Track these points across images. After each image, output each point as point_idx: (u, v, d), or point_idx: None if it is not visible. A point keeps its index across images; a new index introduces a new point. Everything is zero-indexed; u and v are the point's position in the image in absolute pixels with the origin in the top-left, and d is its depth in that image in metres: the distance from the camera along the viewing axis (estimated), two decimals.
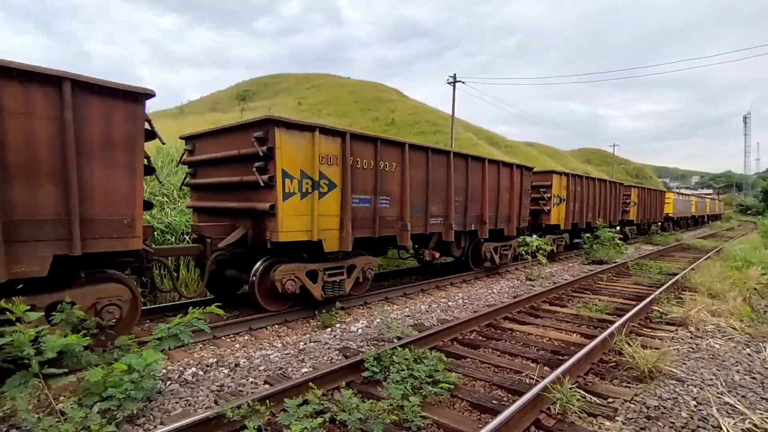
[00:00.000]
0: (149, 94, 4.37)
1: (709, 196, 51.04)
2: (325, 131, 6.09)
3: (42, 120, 3.76)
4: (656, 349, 4.68)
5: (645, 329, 5.80)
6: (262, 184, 5.51)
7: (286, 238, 5.69)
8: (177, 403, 3.57)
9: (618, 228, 16.80)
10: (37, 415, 2.94)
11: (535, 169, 11.91)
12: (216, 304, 4.36)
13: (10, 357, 3.22)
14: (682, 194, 32.96)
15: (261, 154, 5.47)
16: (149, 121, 4.46)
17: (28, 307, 3.31)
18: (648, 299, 6.83)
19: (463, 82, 29.52)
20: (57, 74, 3.79)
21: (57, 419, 2.93)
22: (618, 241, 13.65)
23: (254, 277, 5.89)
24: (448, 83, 29.41)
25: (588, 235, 13.83)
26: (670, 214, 26.04)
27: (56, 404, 3.16)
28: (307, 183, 5.89)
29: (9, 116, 3.60)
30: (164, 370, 4.15)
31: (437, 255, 8.41)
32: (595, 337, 4.96)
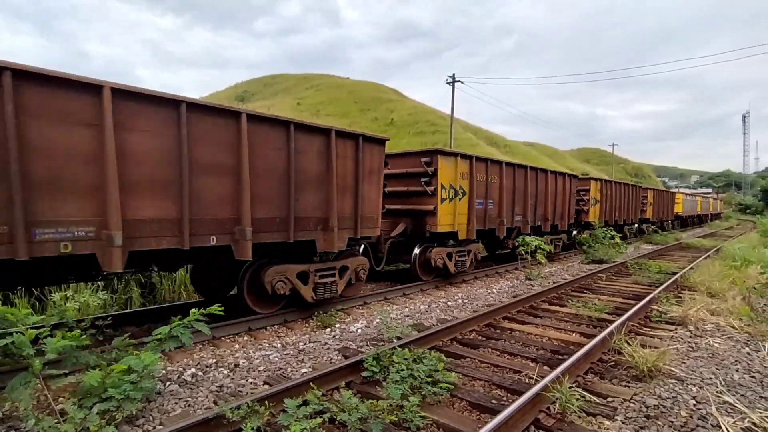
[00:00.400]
0: (387, 139, 7.18)
1: (709, 196, 51.57)
2: (463, 156, 8.97)
3: (350, 160, 6.47)
4: (655, 348, 4.69)
5: (644, 328, 5.80)
6: (429, 193, 8.35)
7: (441, 229, 8.46)
8: (176, 403, 3.57)
9: (637, 225, 20.04)
10: (36, 416, 2.94)
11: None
12: (217, 305, 4.33)
13: (11, 358, 3.23)
14: (689, 195, 35.45)
15: (429, 172, 8.37)
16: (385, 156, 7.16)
17: (29, 311, 3.31)
18: (647, 298, 6.84)
19: (462, 82, 29.55)
20: (356, 133, 6.63)
21: (56, 420, 2.93)
22: (618, 241, 13.66)
23: (414, 257, 8.59)
24: (447, 83, 29.43)
25: (585, 234, 14.08)
26: (679, 213, 28.57)
27: (56, 405, 3.16)
28: (452, 192, 8.66)
29: (337, 158, 6.17)
30: (163, 371, 4.15)
31: (517, 243, 10.93)
32: (595, 336, 4.96)
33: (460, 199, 8.85)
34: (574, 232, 10.72)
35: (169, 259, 5.32)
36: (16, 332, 3.19)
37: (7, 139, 3.47)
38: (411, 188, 8.62)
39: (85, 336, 3.44)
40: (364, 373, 3.97)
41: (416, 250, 8.67)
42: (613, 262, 12.04)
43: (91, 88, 3.89)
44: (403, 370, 3.87)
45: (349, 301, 7.01)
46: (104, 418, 3.05)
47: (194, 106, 4.62)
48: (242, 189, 5.06)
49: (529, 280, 9.71)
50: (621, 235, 15.32)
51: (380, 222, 7.12)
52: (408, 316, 6.48)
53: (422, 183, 8.40)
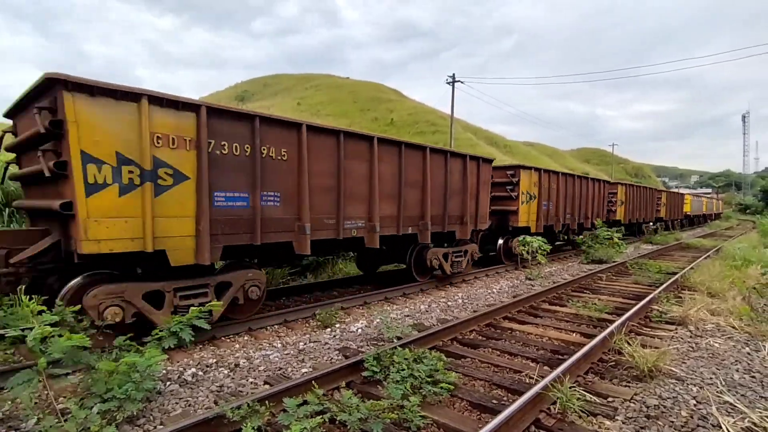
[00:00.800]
0: (493, 160, 9.84)
1: (709, 196, 52.17)
2: (535, 169, 12.00)
3: (474, 175, 9.08)
4: (656, 348, 4.69)
5: (645, 328, 5.80)
6: (513, 197, 11.29)
7: (521, 224, 11.31)
8: (177, 403, 3.57)
9: (651, 223, 22.32)
10: (37, 415, 2.95)
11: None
12: (218, 302, 4.33)
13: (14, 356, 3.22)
14: (695, 196, 38.39)
15: (513, 182, 11.24)
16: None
17: (44, 308, 3.31)
18: (647, 298, 6.84)
19: (462, 82, 29.55)
20: (477, 156, 9.28)
21: (57, 419, 2.93)
22: (617, 241, 13.66)
23: (499, 247, 11.43)
24: (447, 83, 29.43)
25: (582, 235, 14.21)
26: (688, 213, 31.25)
27: (57, 404, 3.16)
28: (527, 196, 11.53)
29: (469, 173, 8.86)
30: (164, 371, 4.14)
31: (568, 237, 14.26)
32: (595, 336, 4.96)
33: (532, 201, 11.71)
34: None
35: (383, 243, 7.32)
36: (28, 328, 3.18)
37: (339, 169, 6.20)
38: (497, 194, 11.09)
39: (85, 336, 3.44)
40: (365, 373, 3.97)
41: (500, 241, 11.47)
42: (613, 262, 12.05)
43: (369, 139, 6.75)
44: (403, 369, 3.88)
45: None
46: (105, 418, 3.05)
47: (408, 145, 7.49)
48: (425, 197, 7.81)
49: (530, 279, 9.71)
50: (619, 234, 15.54)
51: (488, 218, 9.79)
52: (408, 316, 6.48)
53: (507, 190, 11.29)
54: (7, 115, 4.97)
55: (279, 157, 5.51)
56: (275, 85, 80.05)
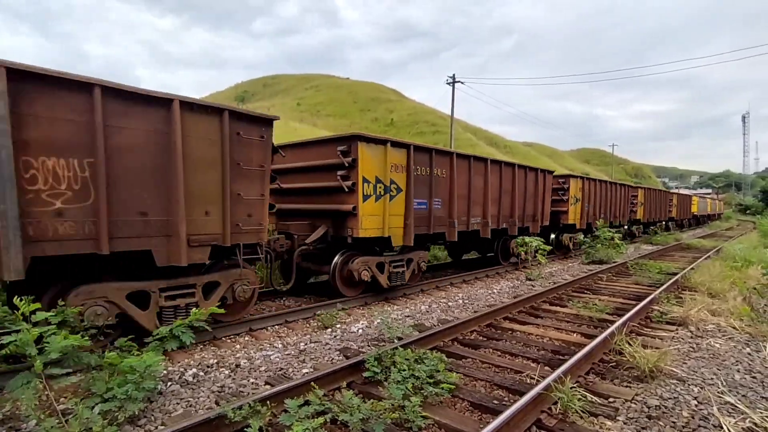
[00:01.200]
0: (553, 171, 12.94)
1: (709, 196, 52.88)
2: (583, 178, 14.62)
3: (541, 183, 11.81)
4: (657, 348, 4.69)
5: (645, 329, 5.80)
6: (563, 200, 13.48)
7: (570, 222, 13.68)
8: (178, 404, 3.57)
9: (664, 223, 25.07)
10: (38, 416, 2.94)
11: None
12: (217, 306, 4.33)
13: (12, 357, 3.22)
14: (701, 197, 41.48)
15: (563, 188, 13.35)
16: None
17: (38, 306, 3.30)
18: (648, 299, 6.84)
19: (462, 83, 29.56)
20: (544, 169, 12.16)
21: (59, 420, 2.92)
22: (618, 241, 13.67)
23: (551, 240, 13.46)
24: (447, 83, 29.44)
25: (587, 236, 14.22)
26: (695, 213, 34.26)
27: (58, 405, 3.15)
28: (576, 199, 13.90)
29: (538, 182, 11.67)
30: (165, 371, 4.14)
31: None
32: (596, 336, 4.96)
33: (577, 203, 14.06)
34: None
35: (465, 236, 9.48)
36: (20, 330, 3.17)
37: (469, 183, 8.93)
38: (553, 197, 12.89)
39: (85, 337, 3.44)
40: (366, 374, 3.97)
41: (552, 235, 13.68)
42: (614, 262, 12.05)
43: (484, 160, 9.48)
44: (404, 370, 3.88)
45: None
46: (106, 419, 3.05)
47: (506, 163, 10.41)
48: (514, 201, 10.50)
49: (530, 280, 9.71)
50: (620, 234, 15.90)
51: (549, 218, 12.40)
52: (409, 316, 6.48)
53: (559, 194, 13.51)
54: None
55: (442, 175, 8.27)
56: (275, 85, 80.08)
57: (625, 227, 18.70)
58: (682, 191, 53.61)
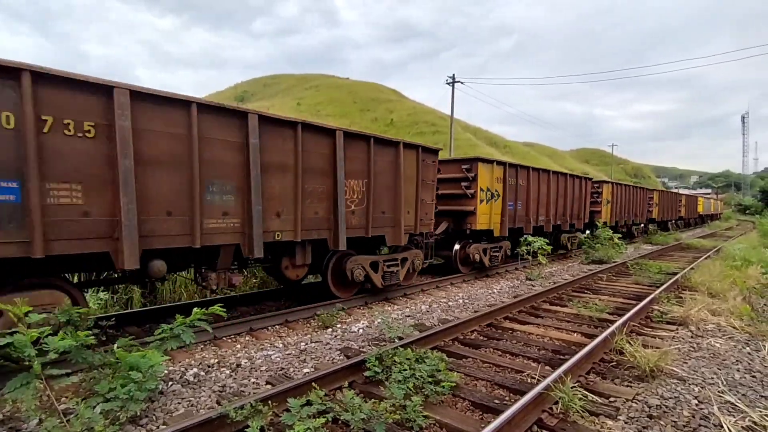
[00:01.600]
0: (591, 178, 15.84)
1: (708, 196, 53.57)
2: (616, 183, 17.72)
3: (578, 189, 14.09)
4: (657, 348, 4.69)
5: (646, 328, 5.81)
6: (598, 202, 16.10)
7: (603, 220, 16.12)
8: (179, 403, 3.57)
9: (674, 221, 27.36)
10: (39, 416, 2.94)
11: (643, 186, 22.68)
12: (219, 305, 4.33)
13: (10, 358, 3.21)
14: (706, 198, 44.38)
15: (599, 192, 15.95)
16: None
17: (30, 308, 3.30)
18: (648, 299, 6.85)
19: (462, 83, 29.56)
20: (583, 177, 14.78)
21: (60, 420, 2.93)
22: (617, 241, 13.68)
23: (587, 235, 14.90)
24: (447, 83, 29.44)
25: (587, 234, 14.31)
26: (701, 213, 36.86)
27: (59, 405, 3.16)
28: (607, 201, 16.56)
29: (576, 188, 14.00)
30: (166, 371, 4.14)
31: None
32: (596, 336, 4.97)
33: (608, 205, 16.61)
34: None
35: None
36: (16, 332, 3.17)
37: (538, 189, 11.89)
38: (591, 200, 15.53)
39: (90, 335, 3.44)
40: (367, 373, 3.97)
41: (588, 231, 15.30)
42: (614, 262, 12.06)
43: (547, 171, 12.45)
44: (405, 370, 3.88)
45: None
46: (108, 418, 3.05)
47: (560, 174, 13.18)
48: (566, 203, 13.13)
49: (530, 280, 9.72)
50: (619, 234, 16.10)
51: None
52: (409, 316, 6.49)
53: (595, 197, 15.78)
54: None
55: (522, 184, 11.08)
56: (275, 85, 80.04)
57: (642, 225, 21.45)
58: (683, 191, 54.37)
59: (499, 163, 10.39)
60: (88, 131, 4.04)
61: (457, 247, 9.88)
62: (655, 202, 22.50)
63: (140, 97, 4.31)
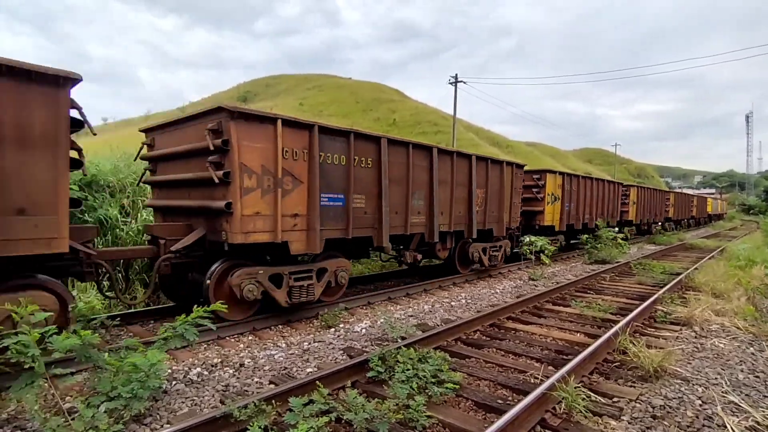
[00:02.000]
0: (622, 183, 19.76)
1: (712, 196, 53.91)
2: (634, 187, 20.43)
3: (613, 192, 17.50)
4: (661, 348, 4.68)
5: (649, 329, 5.79)
6: (626, 203, 18.95)
7: (629, 219, 19.42)
8: (183, 402, 3.58)
9: (686, 220, 30.45)
10: (44, 416, 2.95)
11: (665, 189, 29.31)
12: (221, 302, 4.35)
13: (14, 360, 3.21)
14: (714, 198, 48.11)
15: (627, 194, 19.05)
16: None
17: (36, 307, 3.32)
18: (652, 299, 6.83)
19: (464, 83, 29.54)
20: (620, 182, 19.18)
21: (65, 419, 2.94)
22: (620, 241, 13.65)
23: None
24: (450, 83, 29.43)
25: (586, 235, 14.34)
26: (710, 212, 39.61)
27: (63, 404, 3.17)
28: (634, 203, 20.02)
29: (612, 192, 17.20)
30: (169, 370, 4.16)
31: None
32: (599, 336, 4.96)
33: (634, 206, 19.58)
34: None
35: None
36: (20, 332, 3.18)
37: (585, 193, 14.73)
38: (621, 201, 18.26)
39: (96, 334, 3.45)
40: (370, 373, 3.97)
41: (616, 228, 16.57)
42: (617, 262, 12.03)
43: (581, 177, 14.80)
44: (408, 369, 3.88)
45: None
46: (112, 417, 3.06)
47: (601, 180, 16.46)
48: (604, 205, 15.85)
49: (533, 280, 9.70)
50: (622, 234, 16.48)
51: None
52: (412, 316, 6.49)
53: (623, 198, 18.29)
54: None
55: (575, 189, 13.59)
56: (277, 85, 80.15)
57: (659, 223, 23.68)
58: (686, 191, 54.73)
59: (560, 173, 13.50)
60: (369, 164, 6.64)
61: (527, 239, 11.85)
62: (671, 203, 25.56)
63: (390, 142, 6.98)
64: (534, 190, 12.46)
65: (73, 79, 3.94)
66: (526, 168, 11.56)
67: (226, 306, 4.27)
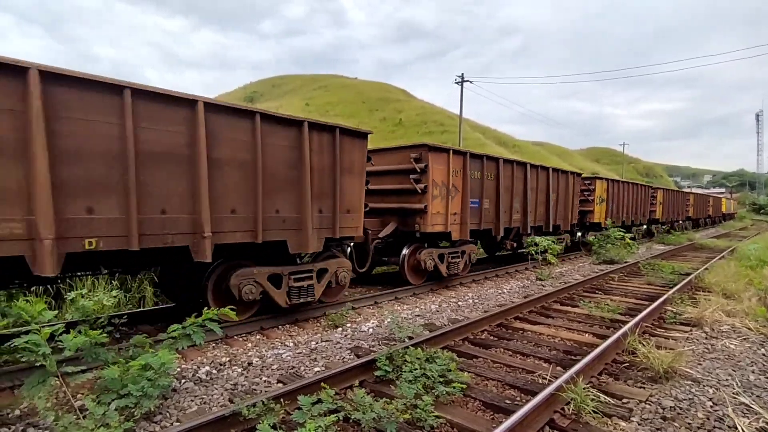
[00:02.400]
0: (650, 186, 21.91)
1: (722, 195, 53.67)
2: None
3: (645, 194, 19.91)
4: (671, 349, 4.64)
5: (659, 329, 5.74)
6: (654, 204, 21.19)
7: (657, 217, 21.28)
8: (192, 401, 3.61)
9: (703, 219, 32.59)
10: (56, 413, 2.99)
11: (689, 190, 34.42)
12: (230, 307, 4.38)
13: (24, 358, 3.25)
14: (727, 198, 50.36)
15: (654, 195, 20.96)
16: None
17: (44, 306, 3.36)
18: (661, 299, 6.77)
19: (471, 82, 29.46)
20: (649, 185, 21.45)
21: (76, 416, 2.97)
22: (629, 241, 13.54)
23: (644, 231, 20.32)
24: (456, 83, 29.35)
25: (594, 235, 14.32)
26: (725, 212, 41.92)
27: (75, 401, 3.20)
28: (660, 203, 21.77)
29: (642, 194, 19.45)
30: (178, 369, 4.19)
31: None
32: (608, 337, 4.93)
33: (661, 206, 21.38)
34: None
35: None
36: (31, 331, 3.22)
37: (624, 197, 17.07)
38: (651, 202, 20.45)
39: (103, 333, 3.49)
40: (377, 372, 3.98)
41: (644, 226, 19.77)
42: (625, 262, 11.94)
43: (621, 182, 17.18)
44: (416, 369, 3.88)
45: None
46: (123, 415, 3.09)
47: (636, 184, 18.87)
48: (638, 207, 18.49)
49: (540, 280, 9.65)
50: (631, 234, 16.66)
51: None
52: (419, 315, 6.48)
53: (652, 199, 20.35)
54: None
55: (619, 192, 16.16)
56: (283, 85, 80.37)
57: (681, 221, 25.85)
58: (695, 190, 54.58)
59: (606, 179, 15.85)
60: (491, 177, 9.30)
61: (579, 234, 14.63)
62: (691, 203, 28.33)
63: (505, 161, 9.62)
64: (586, 193, 14.67)
65: (368, 133, 6.59)
66: (578, 172, 14.17)
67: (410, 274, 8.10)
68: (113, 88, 3.93)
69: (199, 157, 4.49)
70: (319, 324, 6.02)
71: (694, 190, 50.01)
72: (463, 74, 29.17)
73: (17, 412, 3.35)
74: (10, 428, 3.14)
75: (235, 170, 4.90)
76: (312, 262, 6.25)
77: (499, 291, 8.42)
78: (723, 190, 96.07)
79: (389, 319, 5.82)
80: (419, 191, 7.75)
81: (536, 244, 10.63)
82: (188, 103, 4.45)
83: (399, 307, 6.99)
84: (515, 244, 10.99)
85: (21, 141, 3.45)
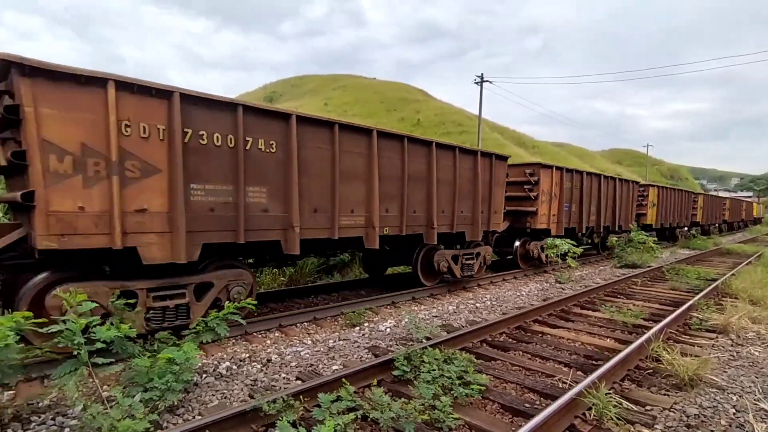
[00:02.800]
0: (672, 188, 21.60)
1: (750, 199, 52.89)
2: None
3: (688, 198, 22.04)
4: (696, 356, 4.53)
5: (684, 336, 5.60)
6: (695, 208, 23.27)
7: (697, 221, 23.90)
8: (213, 395, 3.68)
9: (737, 223, 33.58)
10: (84, 402, 3.09)
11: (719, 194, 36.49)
12: (251, 299, 4.45)
13: (60, 347, 3.37)
14: (757, 202, 50.33)
15: (696, 200, 22.95)
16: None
17: (85, 297, 3.47)
18: (686, 305, 6.60)
19: (490, 82, 29.21)
20: (687, 190, 23.49)
21: (104, 407, 3.06)
22: (652, 245, 13.24)
23: (678, 233, 21.48)
24: (476, 83, 29.14)
25: (616, 238, 14.16)
26: (756, 216, 41.97)
27: (102, 392, 3.30)
28: (701, 208, 23.95)
29: (685, 197, 21.67)
30: (200, 363, 4.27)
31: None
32: (631, 342, 4.83)
33: (702, 210, 22.81)
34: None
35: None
36: (69, 320, 3.32)
37: (675, 202, 19.66)
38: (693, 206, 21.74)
39: (132, 327, 3.58)
40: (395, 372, 3.99)
41: (685, 228, 20.81)
42: (648, 266, 11.67)
43: (636, 183, 16.72)
44: (434, 370, 3.88)
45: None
46: (148, 407, 3.17)
47: (677, 189, 20.79)
48: (682, 211, 20.71)
49: (559, 283, 9.52)
50: (655, 238, 16.15)
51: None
52: (436, 316, 6.47)
53: (693, 201, 21.62)
54: None
55: (668, 197, 18.22)
56: (302, 85, 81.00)
57: (717, 225, 27.37)
58: (722, 193, 53.44)
59: (658, 186, 17.66)
60: (578, 186, 11.67)
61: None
62: (727, 207, 29.90)
63: (587, 173, 12.15)
64: (640, 198, 16.39)
65: (508, 157, 9.30)
66: (636, 181, 16.25)
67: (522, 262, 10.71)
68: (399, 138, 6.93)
69: (431, 178, 7.33)
70: (336, 323, 6.06)
71: (720, 194, 49.50)
72: (482, 74, 28.95)
73: (47, 401, 3.46)
74: (40, 416, 3.25)
75: (445, 186, 7.69)
76: (472, 248, 8.70)
77: (518, 293, 8.34)
78: (750, 194, 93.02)
79: (407, 320, 5.83)
80: (532, 198, 10.33)
81: (555, 246, 10.50)
82: (426, 144, 7.37)
83: (416, 308, 6.99)
84: (597, 239, 14.37)
85: (367, 171, 6.33)
